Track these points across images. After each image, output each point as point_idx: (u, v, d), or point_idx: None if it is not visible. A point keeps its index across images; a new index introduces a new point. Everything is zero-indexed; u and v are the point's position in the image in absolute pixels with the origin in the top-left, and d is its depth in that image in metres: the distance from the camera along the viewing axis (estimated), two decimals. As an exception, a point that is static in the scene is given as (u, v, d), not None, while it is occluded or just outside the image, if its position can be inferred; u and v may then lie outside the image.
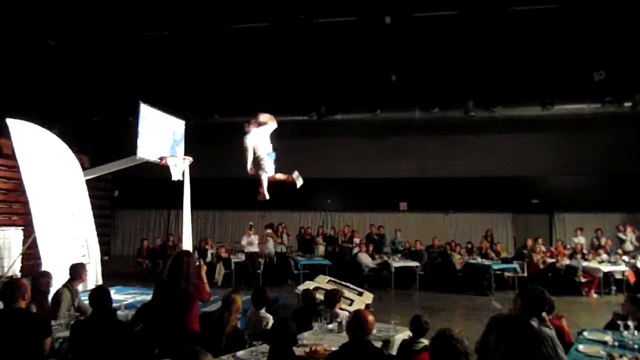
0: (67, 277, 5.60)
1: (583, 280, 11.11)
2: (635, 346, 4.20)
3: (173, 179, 8.82)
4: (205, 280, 4.65)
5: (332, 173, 15.50)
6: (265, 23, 10.53)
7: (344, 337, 3.93)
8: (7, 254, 9.87)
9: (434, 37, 11.15)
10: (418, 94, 13.44)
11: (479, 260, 11.96)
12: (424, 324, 4.29)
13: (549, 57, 11.45)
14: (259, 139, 7.65)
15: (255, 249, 12.24)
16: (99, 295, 4.21)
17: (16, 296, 3.61)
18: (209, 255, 12.54)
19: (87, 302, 5.44)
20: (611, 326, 4.90)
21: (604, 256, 11.70)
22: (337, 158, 15.55)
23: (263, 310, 5.06)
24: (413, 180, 15.37)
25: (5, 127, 7.52)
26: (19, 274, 8.38)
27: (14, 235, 10.22)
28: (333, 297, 5.79)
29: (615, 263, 11.28)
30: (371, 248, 12.76)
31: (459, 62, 12.04)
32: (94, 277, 8.32)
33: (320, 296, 6.94)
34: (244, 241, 12.33)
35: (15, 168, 9.07)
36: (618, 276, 11.22)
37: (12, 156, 9.47)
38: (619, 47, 10.99)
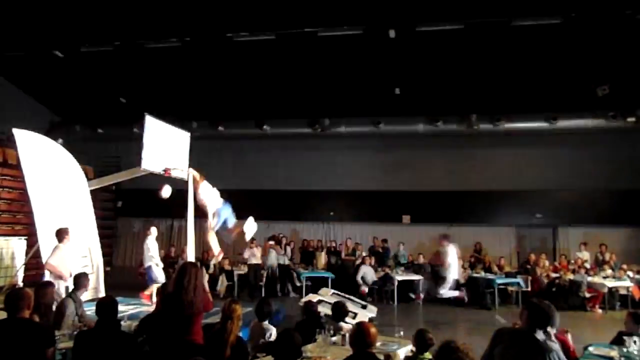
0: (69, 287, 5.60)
1: (587, 295, 11.04)
2: (642, 362, 4.17)
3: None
4: (208, 290, 4.64)
5: (335, 185, 15.51)
6: (271, 36, 10.61)
7: (347, 350, 3.90)
8: (10, 263, 9.89)
9: (438, 51, 11.22)
10: (422, 107, 13.51)
11: (483, 274, 11.91)
12: (427, 339, 4.26)
13: (552, 71, 11.51)
14: (209, 194, 8.16)
15: (257, 260, 12.19)
16: (107, 304, 4.17)
17: (20, 306, 3.61)
18: (211, 267, 12.50)
19: (89, 312, 5.46)
20: (617, 341, 4.86)
21: (609, 271, 11.64)
22: (340, 170, 15.55)
23: (266, 322, 5.04)
24: (416, 193, 15.33)
25: (11, 137, 7.60)
26: (21, 284, 8.36)
27: (17, 245, 10.22)
28: (342, 310, 5.75)
29: (619, 278, 11.22)
30: (373, 260, 12.72)
31: (462, 76, 12.11)
32: (96, 286, 8.36)
33: (323, 309, 6.89)
34: (246, 253, 12.29)
35: (19, 178, 9.12)
36: (623, 292, 11.16)
37: (16, 166, 9.51)
38: (622, 62, 11.04)
